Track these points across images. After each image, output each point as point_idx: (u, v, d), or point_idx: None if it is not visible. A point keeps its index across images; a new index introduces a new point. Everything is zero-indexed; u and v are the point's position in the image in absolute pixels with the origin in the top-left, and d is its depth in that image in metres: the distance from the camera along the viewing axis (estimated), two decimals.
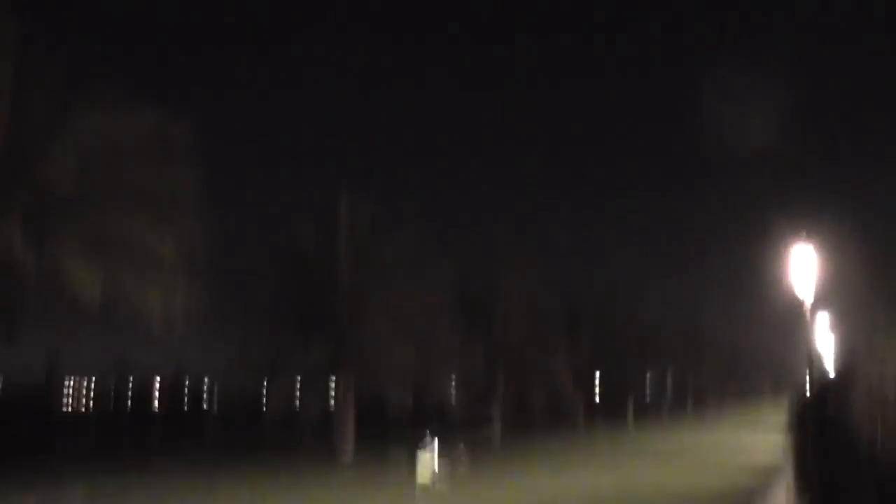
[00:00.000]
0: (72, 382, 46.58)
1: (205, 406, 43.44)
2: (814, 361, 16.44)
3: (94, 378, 47.25)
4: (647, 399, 66.11)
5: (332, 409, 26.87)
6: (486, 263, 35.76)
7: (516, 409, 35.78)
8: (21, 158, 16.36)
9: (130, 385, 47.91)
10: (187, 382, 49.03)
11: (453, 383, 28.75)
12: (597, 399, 52.63)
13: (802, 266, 13.33)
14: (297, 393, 27.42)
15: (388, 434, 29.83)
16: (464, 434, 35.58)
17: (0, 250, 15.59)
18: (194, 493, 19.68)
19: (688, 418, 59.42)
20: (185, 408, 44.54)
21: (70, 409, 46.06)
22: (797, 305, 13.55)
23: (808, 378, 15.84)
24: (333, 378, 26.84)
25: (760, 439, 32.17)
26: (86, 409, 47.29)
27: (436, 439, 20.70)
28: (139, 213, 16.96)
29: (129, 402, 45.28)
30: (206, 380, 46.53)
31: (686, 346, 65.67)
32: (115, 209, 16.83)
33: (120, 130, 16.95)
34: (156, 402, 48.44)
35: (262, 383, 29.00)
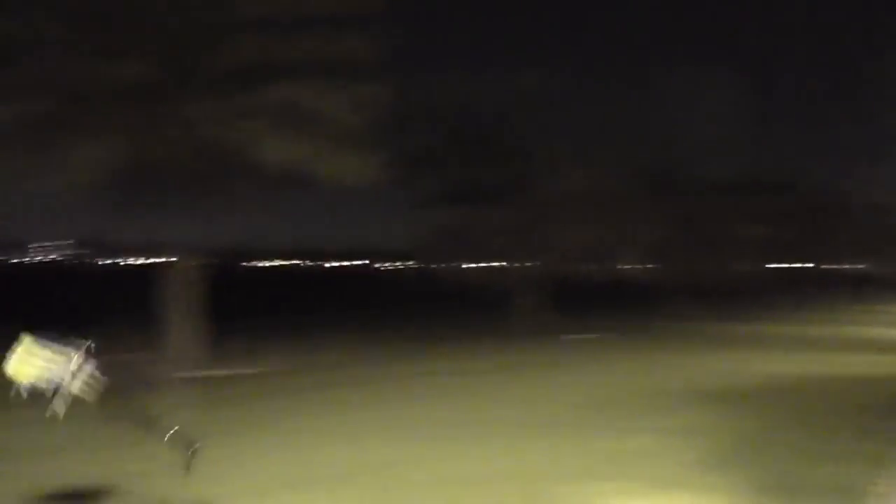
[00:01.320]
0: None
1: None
2: None
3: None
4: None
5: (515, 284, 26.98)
6: (671, 138, 35.13)
7: (702, 286, 35.12)
8: (208, 35, 16.69)
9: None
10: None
11: (638, 259, 28.38)
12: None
13: None
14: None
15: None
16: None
17: (191, 127, 16.08)
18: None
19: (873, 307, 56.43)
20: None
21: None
22: None
23: None
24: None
25: None
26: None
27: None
28: (327, 83, 17.09)
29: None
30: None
31: (876, 230, 62.26)
32: (303, 81, 17.02)
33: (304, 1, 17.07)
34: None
35: (441, 259, 29.34)
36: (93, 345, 5.32)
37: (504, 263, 27.50)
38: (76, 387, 5.27)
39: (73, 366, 5.41)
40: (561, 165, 26.57)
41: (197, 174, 17.21)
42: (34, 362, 5.46)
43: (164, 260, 18.02)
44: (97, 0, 16.22)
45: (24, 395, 5.26)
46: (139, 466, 7.98)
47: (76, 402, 5.39)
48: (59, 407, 5.28)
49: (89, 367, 5.45)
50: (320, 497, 7.84)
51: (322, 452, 9.77)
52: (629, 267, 28.48)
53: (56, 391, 5.30)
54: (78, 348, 5.40)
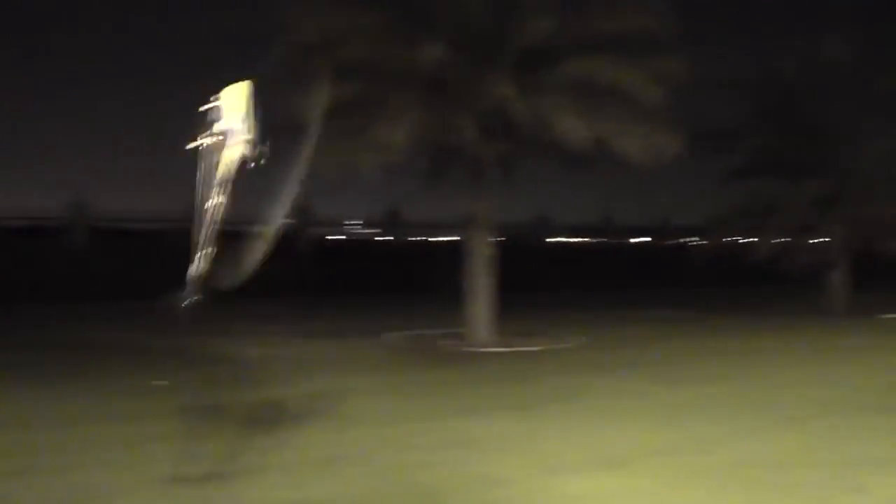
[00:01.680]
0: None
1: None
2: None
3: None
4: None
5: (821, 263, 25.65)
6: None
7: None
8: (504, 19, 17.10)
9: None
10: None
11: None
12: None
13: None
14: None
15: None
16: None
17: (493, 105, 16.54)
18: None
19: None
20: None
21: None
22: None
23: None
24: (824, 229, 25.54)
25: None
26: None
27: None
28: (620, 57, 17.02)
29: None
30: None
31: None
32: (597, 56, 17.05)
33: None
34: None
35: (744, 234, 28.28)
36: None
37: (811, 239, 26.10)
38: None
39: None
40: (871, 133, 24.87)
41: (502, 152, 17.70)
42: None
43: (464, 238, 18.64)
44: None
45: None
46: None
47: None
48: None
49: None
50: (609, 480, 7.71)
51: (614, 432, 9.72)
52: None
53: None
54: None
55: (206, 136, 6.25)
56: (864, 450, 8.66)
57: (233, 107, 6.28)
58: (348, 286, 32.90)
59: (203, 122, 6.37)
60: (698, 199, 30.14)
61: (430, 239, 40.01)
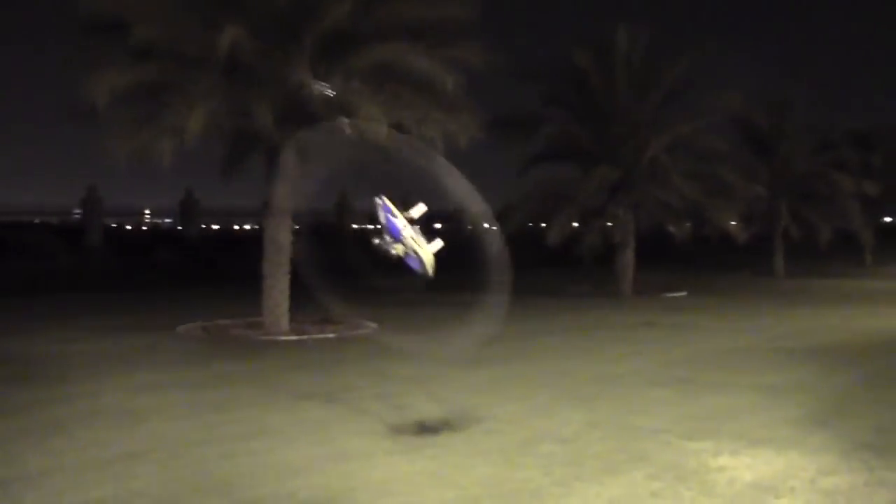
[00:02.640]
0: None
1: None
2: None
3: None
4: None
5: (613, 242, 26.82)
6: (768, 96, 34.43)
7: (800, 242, 34.50)
8: (306, 3, 16.86)
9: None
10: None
11: (735, 217, 27.86)
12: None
13: None
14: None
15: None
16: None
17: (292, 90, 16.31)
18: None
19: None
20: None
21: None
22: None
23: None
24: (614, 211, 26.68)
25: None
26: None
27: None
28: (419, 43, 17.12)
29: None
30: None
31: None
32: (395, 42, 17.10)
33: None
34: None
35: (539, 219, 29.22)
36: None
37: (604, 222, 27.26)
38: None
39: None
40: (662, 120, 26.20)
41: (300, 138, 17.48)
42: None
43: (262, 225, 18.35)
44: None
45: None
46: None
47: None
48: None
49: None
50: (408, 463, 7.87)
51: (416, 415, 9.84)
52: (731, 224, 27.96)
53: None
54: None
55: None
56: (644, 421, 9.16)
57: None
58: (146, 278, 31.84)
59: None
60: (498, 185, 30.86)
61: (230, 227, 39.28)
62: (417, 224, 8.62)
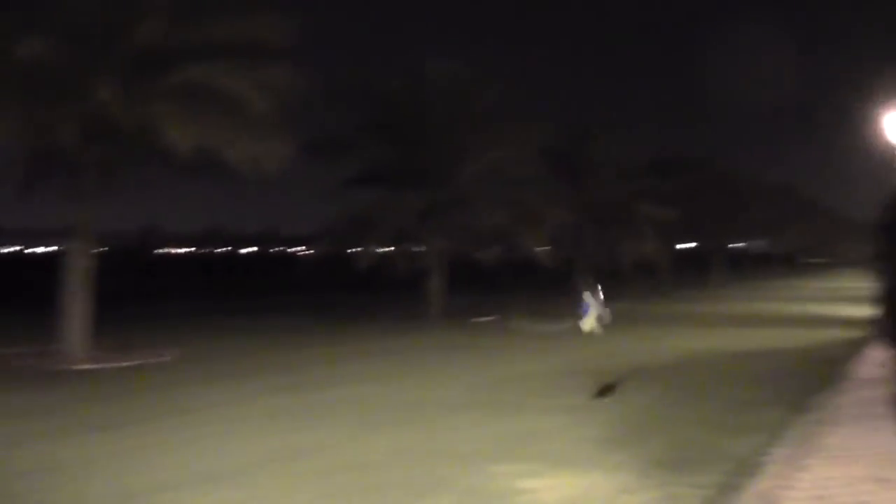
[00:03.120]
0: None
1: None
2: None
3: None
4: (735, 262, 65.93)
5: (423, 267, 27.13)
6: (573, 124, 35.82)
7: (605, 265, 35.90)
8: (114, 18, 16.32)
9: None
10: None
11: (542, 242, 28.77)
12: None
13: None
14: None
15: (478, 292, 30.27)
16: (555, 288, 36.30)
17: (98, 108, 15.72)
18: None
19: (776, 284, 58.86)
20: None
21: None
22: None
23: None
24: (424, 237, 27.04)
25: (844, 311, 31.27)
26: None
27: (598, 286, 21.89)
28: (231, 65, 16.86)
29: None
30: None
31: (778, 210, 64.84)
32: (206, 62, 16.77)
33: None
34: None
35: (351, 243, 29.28)
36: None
37: (414, 247, 27.59)
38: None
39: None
40: (471, 148, 26.75)
41: (105, 159, 16.87)
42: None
43: (62, 247, 17.54)
44: None
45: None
46: None
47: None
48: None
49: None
50: (208, 495, 7.76)
51: (215, 444, 9.72)
52: (537, 249, 28.86)
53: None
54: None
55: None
56: (448, 446, 9.27)
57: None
58: None
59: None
60: (308, 208, 30.82)
61: (26, 250, 37.41)
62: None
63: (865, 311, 21.56)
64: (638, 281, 40.20)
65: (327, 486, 7.76)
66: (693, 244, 61.16)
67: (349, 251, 27.94)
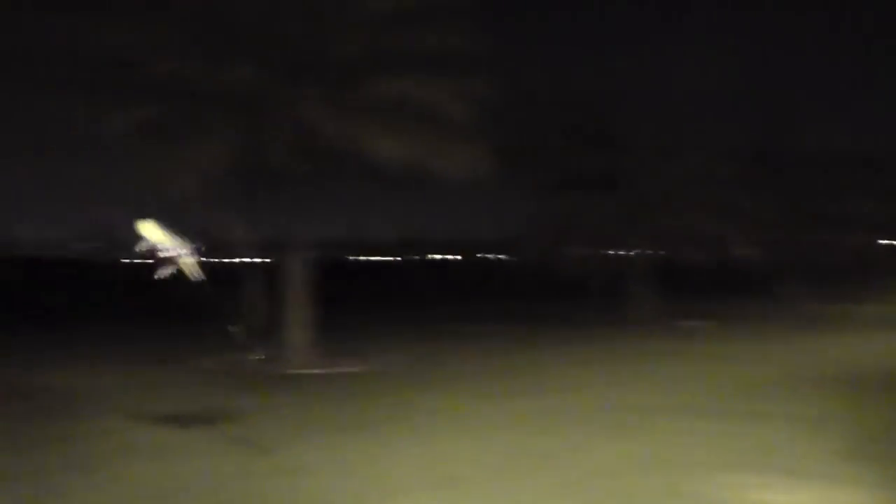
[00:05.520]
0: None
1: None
2: None
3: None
4: None
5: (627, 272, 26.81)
6: (773, 120, 34.43)
7: (814, 266, 34.34)
8: (316, 35, 16.85)
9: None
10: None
11: (747, 241, 27.89)
12: None
13: None
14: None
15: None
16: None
17: (304, 123, 16.27)
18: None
19: None
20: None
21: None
22: None
23: None
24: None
25: None
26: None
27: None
28: (430, 77, 17.08)
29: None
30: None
31: None
32: (407, 74, 17.06)
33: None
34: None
35: (552, 248, 29.19)
36: (201, 246, 9.04)
37: (613, 252, 27.27)
38: (184, 264, 8.72)
39: (185, 249, 8.80)
40: (664, 151, 26.26)
41: (310, 172, 17.43)
42: (159, 232, 8.70)
43: (275, 258, 18.25)
44: (206, 3, 16.48)
45: (142, 249, 8.57)
46: None
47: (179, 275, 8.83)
48: (163, 273, 8.62)
49: (195, 258, 8.83)
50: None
51: (448, 449, 9.74)
52: (738, 250, 28.00)
53: (165, 260, 8.69)
54: (191, 242, 8.63)
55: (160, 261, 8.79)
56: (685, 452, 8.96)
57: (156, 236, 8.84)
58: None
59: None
60: (506, 214, 30.93)
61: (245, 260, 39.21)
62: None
63: None
64: (842, 280, 38.15)
65: (576, 491, 7.66)
66: None
67: (551, 256, 27.85)
